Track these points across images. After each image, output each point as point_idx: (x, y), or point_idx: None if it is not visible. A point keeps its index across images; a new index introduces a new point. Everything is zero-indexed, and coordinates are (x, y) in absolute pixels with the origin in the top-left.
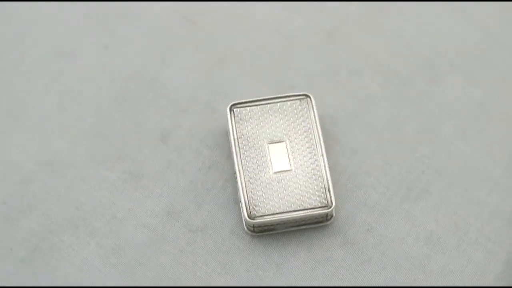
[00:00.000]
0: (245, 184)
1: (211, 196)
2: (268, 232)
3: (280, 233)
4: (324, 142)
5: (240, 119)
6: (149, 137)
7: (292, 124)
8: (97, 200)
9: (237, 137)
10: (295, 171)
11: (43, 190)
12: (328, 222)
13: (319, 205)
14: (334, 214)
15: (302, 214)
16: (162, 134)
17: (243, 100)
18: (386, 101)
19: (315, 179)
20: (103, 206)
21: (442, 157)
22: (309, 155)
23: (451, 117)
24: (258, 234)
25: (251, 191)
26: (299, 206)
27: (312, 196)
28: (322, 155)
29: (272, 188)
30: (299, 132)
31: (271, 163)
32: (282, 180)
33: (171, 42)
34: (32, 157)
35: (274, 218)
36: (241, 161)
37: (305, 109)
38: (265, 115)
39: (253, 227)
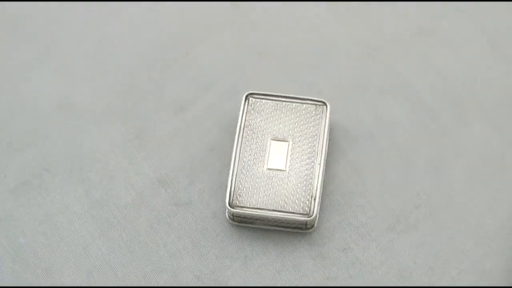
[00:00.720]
0: (236, 172)
1: (205, 176)
2: (247, 224)
3: (259, 228)
4: (329, 153)
5: (253, 109)
6: (166, 106)
7: (301, 127)
8: (97, 152)
9: (244, 125)
10: (288, 173)
11: (51, 131)
12: (308, 231)
13: (301, 211)
14: (315, 225)
15: (281, 216)
16: (179, 106)
17: (261, 92)
18: (403, 127)
19: (305, 186)
20: (101, 159)
21: (441, 198)
22: (307, 160)
23: (463, 159)
24: (237, 223)
25: (239, 180)
26: (281, 208)
27: (296, 201)
28: (319, 164)
29: (261, 183)
30: (305, 136)
31: (268, 158)
32: (273, 178)
33: (213, 22)
34: (51, 99)
35: (253, 212)
36: (240, 149)
37: (318, 116)
38: (277, 111)
39: (233, 215)
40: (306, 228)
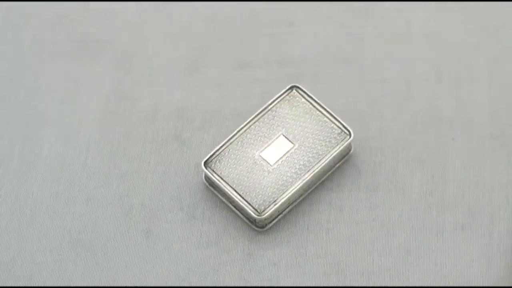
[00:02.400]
0: (232, 139)
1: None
2: (215, 190)
3: (220, 200)
4: (324, 176)
5: (288, 100)
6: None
7: (315, 141)
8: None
9: (270, 108)
10: (273, 169)
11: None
12: (260, 229)
13: (255, 205)
14: (266, 226)
15: (235, 198)
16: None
17: (306, 92)
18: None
19: (276, 188)
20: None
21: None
22: (297, 170)
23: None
24: (209, 187)
25: (226, 147)
26: (240, 191)
27: (259, 193)
28: (302, 180)
29: (242, 163)
30: (313, 151)
31: (265, 148)
32: (256, 164)
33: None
34: None
35: (216, 181)
36: (250, 124)
37: (338, 143)
38: (306, 115)
39: (205, 177)
40: (256, 225)
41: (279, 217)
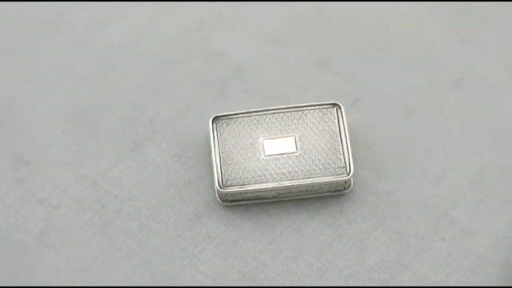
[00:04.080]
0: (252, 113)
1: None
2: (207, 146)
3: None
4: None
5: (325, 113)
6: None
7: (316, 157)
8: None
9: (303, 108)
10: (262, 158)
11: None
12: (223, 203)
13: (224, 176)
14: (227, 202)
15: (213, 160)
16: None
17: (343, 115)
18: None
19: (253, 175)
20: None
21: None
22: (282, 170)
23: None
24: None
25: (242, 116)
26: (222, 157)
27: (236, 169)
28: (280, 183)
29: (243, 137)
30: (307, 166)
31: (273, 138)
32: (253, 146)
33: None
34: None
35: (212, 137)
36: (275, 112)
37: (332, 174)
38: (327, 134)
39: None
40: (219, 197)
41: (243, 203)
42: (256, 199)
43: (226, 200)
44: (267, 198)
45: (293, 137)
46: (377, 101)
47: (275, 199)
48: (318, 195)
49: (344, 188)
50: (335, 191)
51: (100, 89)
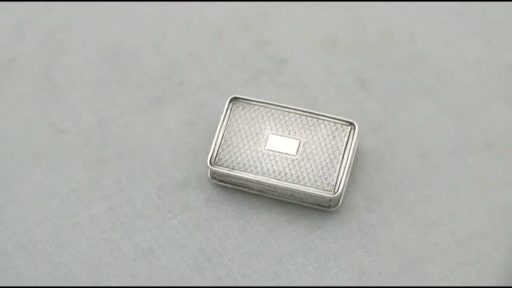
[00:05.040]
0: (272, 105)
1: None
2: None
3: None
4: (292, 200)
5: (338, 129)
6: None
7: (312, 166)
8: None
9: (319, 117)
10: (260, 151)
11: None
12: (212, 180)
13: (215, 154)
14: (213, 179)
15: (216, 135)
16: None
17: (354, 138)
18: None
19: (245, 162)
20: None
21: None
22: (273, 167)
23: None
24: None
25: (258, 105)
26: (225, 135)
27: (232, 152)
28: (267, 179)
29: (252, 124)
30: (297, 172)
31: (279, 135)
32: (257, 137)
33: None
34: None
35: (224, 115)
36: (292, 111)
37: (319, 187)
38: (330, 148)
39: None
40: (210, 174)
41: (230, 186)
42: (242, 187)
43: (215, 178)
44: (253, 189)
45: (298, 141)
46: (399, 133)
47: (260, 193)
48: (303, 203)
49: (329, 206)
50: (320, 205)
51: (144, 38)
